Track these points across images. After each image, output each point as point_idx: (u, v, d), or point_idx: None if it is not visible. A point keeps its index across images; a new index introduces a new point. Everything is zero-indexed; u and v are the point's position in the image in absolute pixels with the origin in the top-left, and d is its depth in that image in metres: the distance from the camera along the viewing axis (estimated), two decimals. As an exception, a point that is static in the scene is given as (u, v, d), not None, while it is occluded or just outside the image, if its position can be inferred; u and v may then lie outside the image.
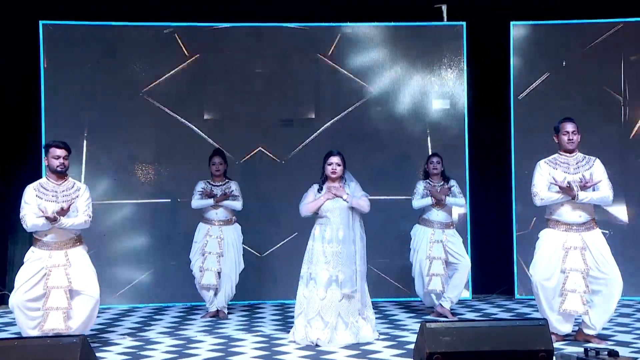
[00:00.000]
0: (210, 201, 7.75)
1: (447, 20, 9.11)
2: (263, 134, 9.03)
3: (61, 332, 6.00)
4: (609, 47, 8.94)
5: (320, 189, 6.56)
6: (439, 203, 7.64)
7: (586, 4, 8.92)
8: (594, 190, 6.19)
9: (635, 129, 8.92)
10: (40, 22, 8.56)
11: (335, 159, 6.56)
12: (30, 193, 6.17)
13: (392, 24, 9.10)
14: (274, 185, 8.94)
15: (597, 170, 6.24)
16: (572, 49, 9.02)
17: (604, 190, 6.21)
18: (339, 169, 6.54)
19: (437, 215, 7.71)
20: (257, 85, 9.04)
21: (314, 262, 6.48)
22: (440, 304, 7.66)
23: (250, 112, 9.00)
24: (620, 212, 8.83)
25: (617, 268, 6.20)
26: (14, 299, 6.10)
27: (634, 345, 6.14)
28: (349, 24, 9.09)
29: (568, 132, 6.28)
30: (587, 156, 6.37)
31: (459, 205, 7.82)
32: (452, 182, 7.75)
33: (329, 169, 6.55)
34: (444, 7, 8.99)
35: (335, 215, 6.48)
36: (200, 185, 7.86)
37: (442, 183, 7.71)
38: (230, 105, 9.02)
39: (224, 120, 9.03)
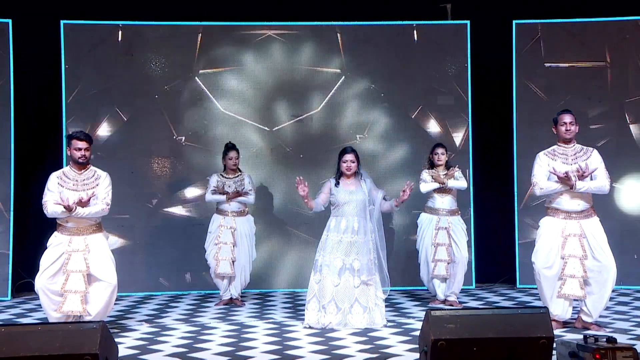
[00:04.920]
0: (223, 197, 7.89)
1: (452, 19, 9.27)
2: (274, 128, 9.21)
3: (79, 315, 6.19)
4: (609, 43, 9.06)
5: (337, 184, 6.76)
6: (443, 189, 7.79)
7: (589, 3, 9.02)
8: (591, 179, 6.34)
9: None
10: (62, 22, 8.81)
11: (349, 156, 6.74)
12: (53, 181, 6.33)
13: (398, 22, 9.23)
14: (284, 178, 9.15)
15: (594, 160, 6.38)
16: (573, 47, 9.11)
17: (601, 179, 6.34)
18: (353, 166, 6.74)
19: (441, 202, 7.84)
20: (267, 82, 9.19)
21: (327, 251, 6.68)
22: (446, 299, 7.84)
23: (261, 107, 9.19)
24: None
25: (612, 256, 6.34)
26: (38, 282, 6.26)
27: (631, 332, 6.29)
28: (354, 22, 9.21)
29: (566, 123, 6.41)
30: (584, 147, 6.50)
31: (462, 188, 7.86)
32: (455, 168, 7.89)
33: (343, 166, 6.74)
34: (449, 7, 9.13)
35: (351, 207, 6.69)
36: (214, 180, 7.99)
37: (445, 172, 7.84)
38: (242, 100, 9.18)
39: (236, 115, 9.18)
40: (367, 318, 6.62)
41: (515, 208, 9.09)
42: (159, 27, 9.10)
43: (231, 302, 8.03)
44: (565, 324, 6.51)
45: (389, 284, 6.81)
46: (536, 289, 6.77)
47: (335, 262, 6.65)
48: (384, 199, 6.83)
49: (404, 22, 9.23)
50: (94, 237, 6.36)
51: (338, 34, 9.24)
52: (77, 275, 6.24)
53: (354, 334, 6.38)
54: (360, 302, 6.62)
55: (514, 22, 9.10)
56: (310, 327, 6.63)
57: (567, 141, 6.47)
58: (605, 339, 4.60)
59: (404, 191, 6.64)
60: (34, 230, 8.63)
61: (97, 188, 6.35)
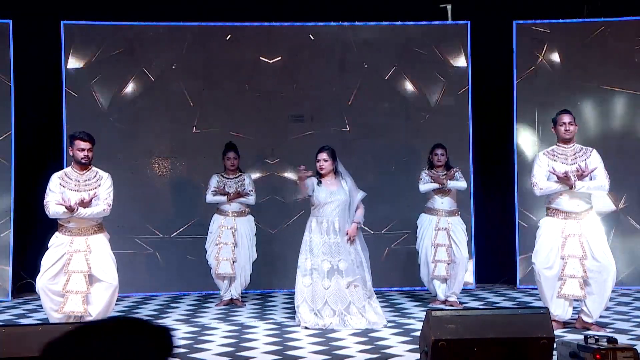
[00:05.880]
0: (224, 198, 7.90)
1: (452, 19, 9.28)
2: (274, 129, 9.23)
3: (80, 315, 6.17)
4: (609, 44, 9.06)
5: (319, 183, 6.74)
6: (442, 190, 7.80)
7: (589, 3, 9.04)
8: (591, 179, 6.35)
9: None
10: (62, 22, 8.82)
11: (321, 155, 6.75)
12: (55, 181, 6.32)
13: (398, 23, 9.25)
14: (285, 180, 9.16)
15: (594, 159, 6.39)
16: (573, 46, 9.12)
17: (600, 179, 6.35)
18: (326, 165, 6.73)
19: (441, 203, 7.85)
20: (267, 82, 9.21)
21: (314, 254, 6.68)
22: (447, 299, 7.85)
23: (261, 107, 9.20)
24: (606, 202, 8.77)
25: (611, 256, 6.36)
26: (39, 283, 6.24)
27: (632, 332, 6.30)
28: (355, 23, 9.22)
29: (565, 123, 6.44)
30: (584, 147, 6.52)
31: (461, 188, 7.88)
32: (455, 169, 7.91)
33: (317, 165, 6.75)
34: (449, 7, 9.14)
35: (332, 207, 6.70)
36: (214, 181, 7.99)
37: (445, 173, 7.85)
38: (242, 100, 9.20)
39: (237, 115, 9.20)
40: (362, 319, 6.62)
41: (516, 208, 9.09)
42: (160, 28, 9.12)
43: (232, 303, 8.03)
44: (565, 324, 6.52)
45: (369, 286, 6.78)
46: (536, 289, 6.78)
47: (323, 265, 6.66)
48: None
49: (404, 23, 9.24)
50: (95, 238, 6.35)
51: (338, 34, 9.25)
52: (79, 276, 6.23)
53: (354, 334, 6.39)
54: (354, 304, 6.64)
55: (514, 22, 9.10)
56: (306, 328, 6.62)
57: (567, 141, 6.49)
58: (605, 340, 4.60)
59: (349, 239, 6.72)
60: (34, 231, 8.63)
61: (99, 189, 6.34)
